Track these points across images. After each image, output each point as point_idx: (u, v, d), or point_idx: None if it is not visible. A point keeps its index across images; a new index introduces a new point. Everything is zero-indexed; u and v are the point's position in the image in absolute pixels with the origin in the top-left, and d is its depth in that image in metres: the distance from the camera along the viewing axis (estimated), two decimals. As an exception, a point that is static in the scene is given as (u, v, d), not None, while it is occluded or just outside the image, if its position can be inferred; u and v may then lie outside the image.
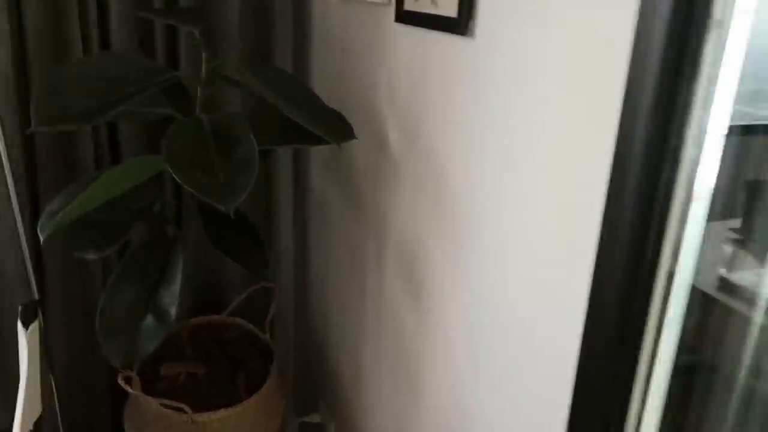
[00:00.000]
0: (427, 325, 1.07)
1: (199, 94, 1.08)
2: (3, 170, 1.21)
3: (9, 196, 1.23)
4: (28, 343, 0.89)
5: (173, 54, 1.38)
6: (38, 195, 1.32)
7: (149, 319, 1.09)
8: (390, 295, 1.20)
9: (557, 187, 0.73)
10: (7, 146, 1.15)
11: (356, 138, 1.12)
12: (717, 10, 0.54)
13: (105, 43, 1.31)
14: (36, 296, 1.33)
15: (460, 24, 0.87)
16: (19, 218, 1.24)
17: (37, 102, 0.88)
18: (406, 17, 1.01)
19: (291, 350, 1.59)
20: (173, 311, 1.10)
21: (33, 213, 1.33)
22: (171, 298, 1.11)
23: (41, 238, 0.99)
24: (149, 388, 1.34)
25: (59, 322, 1.41)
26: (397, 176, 1.13)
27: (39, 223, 1.01)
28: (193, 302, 1.56)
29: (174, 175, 0.88)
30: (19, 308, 0.90)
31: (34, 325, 0.91)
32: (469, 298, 0.94)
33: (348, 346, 1.45)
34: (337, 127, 1.03)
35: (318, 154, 1.50)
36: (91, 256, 1.12)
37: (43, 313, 1.38)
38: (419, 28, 0.98)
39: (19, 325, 0.90)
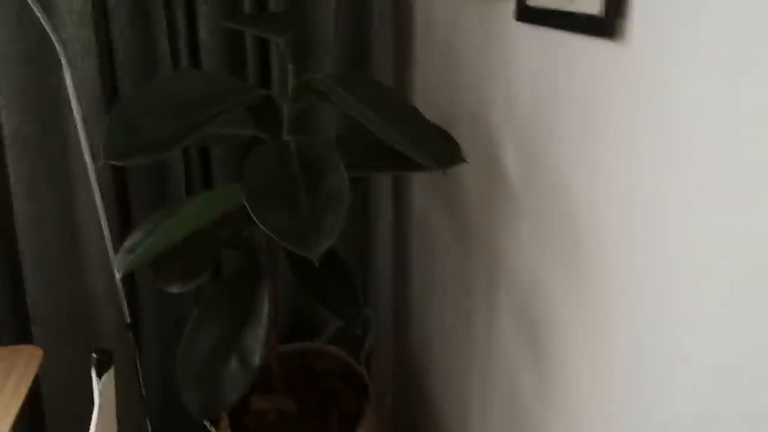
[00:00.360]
0: (551, 393, 0.88)
1: (286, 113, 0.95)
2: (93, 192, 1.16)
3: (99, 218, 1.18)
4: (102, 393, 0.81)
5: (265, 66, 1.27)
6: (130, 216, 1.27)
7: (233, 364, 0.99)
8: (502, 346, 1.02)
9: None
10: (97, 168, 1.10)
11: (466, 162, 0.95)
12: None
13: (195, 55, 1.22)
14: (128, 320, 1.28)
15: (607, 24, 0.67)
16: (109, 241, 1.19)
17: (108, 131, 0.79)
18: (530, 15, 0.82)
19: (389, 387, 1.45)
20: (258, 355, 0.99)
21: (124, 235, 1.28)
22: (256, 340, 1.00)
23: (118, 276, 0.91)
24: (237, 423, 1.25)
25: (151, 345, 1.36)
26: (514, 211, 0.94)
27: (117, 260, 0.93)
28: (283, 327, 1.46)
29: (254, 216, 0.76)
30: (92, 356, 0.82)
31: (109, 375, 0.83)
32: (610, 376, 0.74)
33: (452, 394, 1.28)
34: (442, 150, 0.87)
35: (422, 176, 1.34)
36: (175, 289, 1.04)
37: (136, 337, 1.33)
38: (548, 28, 0.79)
39: (93, 374, 0.82)
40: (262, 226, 0.76)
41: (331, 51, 1.25)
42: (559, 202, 0.82)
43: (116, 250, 1.22)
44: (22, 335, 1.26)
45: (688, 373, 0.61)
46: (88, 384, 1.32)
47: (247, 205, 0.78)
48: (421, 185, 1.35)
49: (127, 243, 0.95)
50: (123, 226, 1.28)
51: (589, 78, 0.72)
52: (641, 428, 0.69)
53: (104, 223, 1.18)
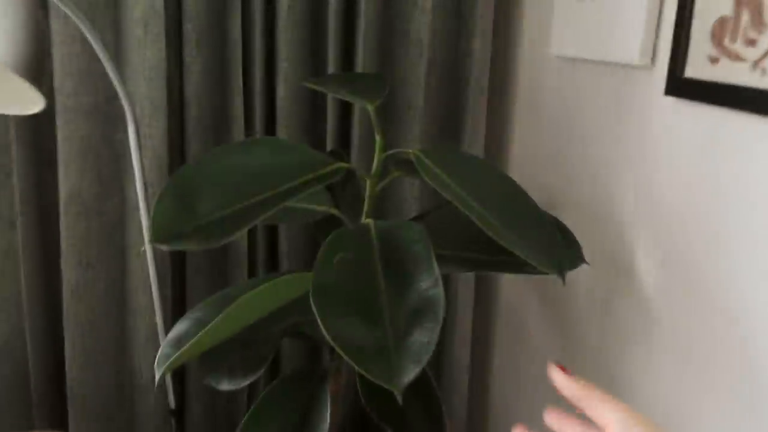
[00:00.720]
0: None
1: (368, 191, 0.80)
2: (147, 262, 1.04)
3: (150, 291, 1.06)
4: None
5: (345, 131, 1.14)
6: (185, 287, 1.14)
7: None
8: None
9: None
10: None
11: (587, 263, 0.76)
12: None
13: (270, 117, 1.11)
14: (172, 405, 1.14)
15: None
16: (160, 317, 1.06)
17: (158, 207, 0.66)
18: (688, 89, 0.64)
19: None
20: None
21: (178, 314, 1.16)
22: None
23: (156, 377, 0.76)
24: None
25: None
26: (646, 328, 0.73)
27: (159, 355, 0.79)
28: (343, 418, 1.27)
29: (321, 324, 0.60)
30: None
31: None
32: None
33: None
34: (558, 248, 0.68)
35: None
36: (224, 386, 0.88)
37: (180, 426, 1.18)
38: (718, 107, 0.61)
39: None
40: (329, 338, 0.60)
41: (419, 119, 1.11)
42: (717, 324, 0.61)
43: (166, 326, 1.09)
44: (56, 417, 1.13)
45: None
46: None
47: (314, 308, 0.62)
48: (511, 277, 1.16)
49: (173, 334, 0.81)
50: (176, 299, 1.16)
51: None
52: None
53: (156, 298, 1.05)
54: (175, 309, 1.15)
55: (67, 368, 1.08)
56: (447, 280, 1.16)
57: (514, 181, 0.75)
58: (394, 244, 0.71)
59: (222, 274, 1.16)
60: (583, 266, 0.87)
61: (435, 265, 0.66)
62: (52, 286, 1.08)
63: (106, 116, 1.02)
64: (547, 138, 1.01)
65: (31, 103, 0.73)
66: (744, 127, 0.57)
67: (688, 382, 0.66)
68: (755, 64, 0.54)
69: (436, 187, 0.70)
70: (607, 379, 0.83)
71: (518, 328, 1.13)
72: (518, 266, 0.75)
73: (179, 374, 1.19)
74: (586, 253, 0.85)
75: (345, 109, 1.13)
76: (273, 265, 1.18)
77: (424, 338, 0.59)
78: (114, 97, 1.01)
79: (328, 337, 0.60)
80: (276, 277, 0.84)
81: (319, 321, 0.61)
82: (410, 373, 0.56)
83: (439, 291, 0.63)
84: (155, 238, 0.64)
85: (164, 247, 0.64)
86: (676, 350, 0.68)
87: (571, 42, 0.90)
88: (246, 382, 0.89)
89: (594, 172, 0.87)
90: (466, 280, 1.14)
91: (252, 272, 1.16)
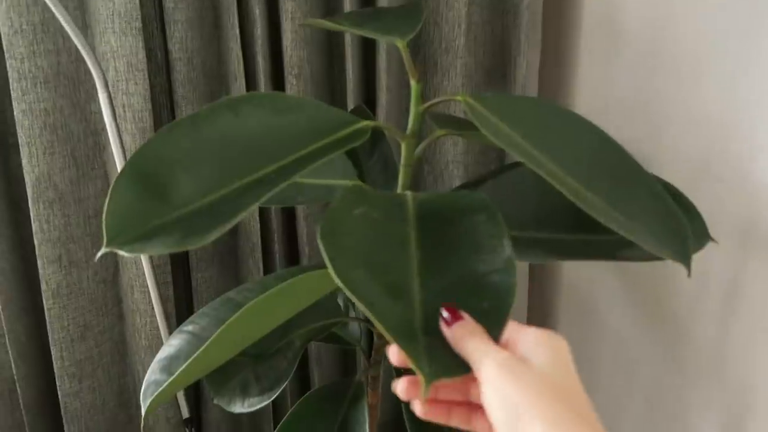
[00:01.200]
0: None
1: (403, 156, 0.60)
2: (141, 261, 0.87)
3: (149, 293, 0.88)
4: None
5: (369, 84, 0.93)
6: (191, 279, 0.97)
7: None
8: None
9: None
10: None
11: (714, 241, 0.55)
12: None
13: (277, 70, 0.91)
14: (185, 413, 0.98)
15: None
16: (161, 315, 0.89)
17: (115, 198, 0.47)
18: None
19: None
20: None
21: (185, 312, 0.98)
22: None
23: (142, 410, 0.59)
24: None
25: None
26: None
27: (143, 386, 0.61)
28: (385, 422, 1.10)
29: (331, 268, 0.41)
30: None
31: None
32: None
33: None
34: (680, 228, 0.48)
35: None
36: (238, 409, 0.71)
37: (198, 430, 1.03)
38: None
39: None
40: (338, 281, 0.40)
41: (461, 63, 0.89)
42: None
43: (170, 327, 0.91)
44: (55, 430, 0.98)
45: None
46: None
47: (322, 248, 0.42)
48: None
49: (162, 354, 0.63)
50: (181, 296, 0.98)
51: None
52: None
53: (154, 296, 0.88)
54: (181, 307, 0.98)
55: (57, 381, 0.92)
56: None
57: (606, 135, 0.54)
58: (438, 216, 0.50)
59: (232, 266, 0.99)
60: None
61: (507, 243, 0.45)
62: (34, 288, 0.91)
63: (74, 81, 0.83)
64: (630, 77, 0.79)
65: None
66: None
67: None
68: None
69: (501, 144, 0.50)
70: (733, 389, 0.63)
71: (587, 311, 0.93)
72: (611, 249, 0.55)
73: (195, 386, 1.02)
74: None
75: (368, 56, 0.92)
76: (292, 253, 1.00)
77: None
78: (80, 57, 0.82)
79: (337, 280, 0.40)
80: (293, 274, 0.65)
81: (326, 260, 0.41)
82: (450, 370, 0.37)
83: (510, 279, 0.43)
84: (111, 240, 0.45)
85: (125, 253, 0.45)
86: None
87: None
88: (264, 403, 0.72)
89: (705, 121, 0.65)
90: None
91: (268, 263, 0.98)
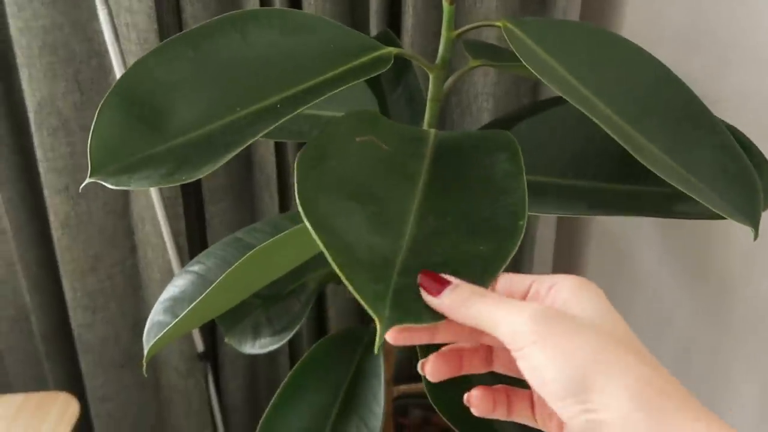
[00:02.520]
0: None
1: (430, 89, 0.53)
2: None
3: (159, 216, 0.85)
4: None
5: (393, 5, 0.85)
6: (204, 208, 0.93)
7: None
8: None
9: None
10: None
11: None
12: None
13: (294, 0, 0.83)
14: (199, 347, 0.97)
15: None
16: (172, 248, 0.86)
17: (101, 123, 0.41)
18: None
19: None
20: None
21: (198, 242, 0.95)
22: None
23: (144, 350, 0.56)
24: None
25: (236, 369, 1.04)
26: None
27: (146, 327, 0.58)
28: (401, 360, 1.08)
29: (300, 207, 0.36)
30: None
31: None
32: None
33: None
34: (751, 183, 0.41)
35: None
36: (249, 349, 0.68)
37: (214, 368, 1.02)
38: None
39: None
40: (307, 221, 0.35)
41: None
42: None
43: (181, 257, 0.89)
44: (70, 368, 0.98)
45: None
46: (153, 413, 1.03)
47: (295, 174, 0.37)
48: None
49: (166, 294, 0.60)
50: (195, 222, 0.94)
51: None
52: None
53: (164, 227, 0.85)
54: (194, 240, 0.95)
55: (70, 313, 0.91)
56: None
57: (667, 70, 0.47)
58: (457, 154, 0.44)
59: (247, 199, 0.94)
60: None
61: (522, 180, 0.39)
62: (42, 217, 0.89)
63: (74, -3, 0.76)
64: (688, 1, 0.69)
65: None
66: None
67: None
68: None
69: (545, 80, 0.43)
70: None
71: (616, 261, 0.87)
72: (665, 203, 0.48)
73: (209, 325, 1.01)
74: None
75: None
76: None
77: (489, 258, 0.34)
78: (81, -33, 0.75)
79: (312, 229, 0.35)
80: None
81: (296, 191, 0.36)
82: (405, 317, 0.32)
83: (517, 222, 0.37)
84: (96, 169, 0.40)
85: (110, 185, 0.40)
86: None
87: None
88: (276, 345, 0.69)
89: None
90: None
91: (284, 197, 0.93)
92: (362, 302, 0.32)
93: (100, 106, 0.42)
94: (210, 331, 1.02)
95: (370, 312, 0.31)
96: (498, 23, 0.48)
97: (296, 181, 0.36)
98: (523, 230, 0.36)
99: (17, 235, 0.87)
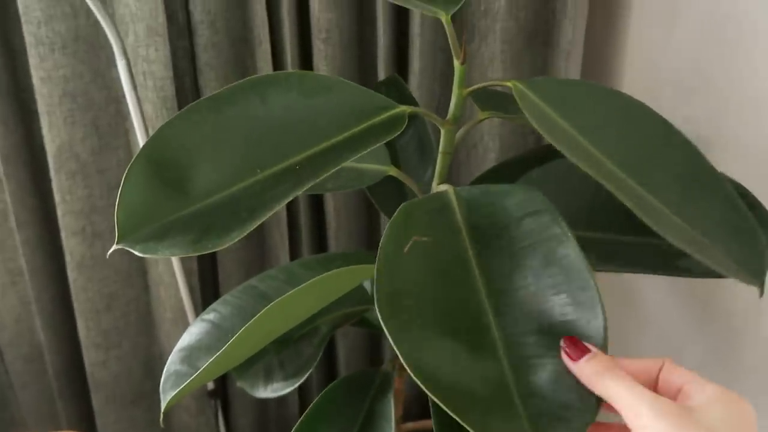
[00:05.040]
0: None
1: (442, 142, 0.55)
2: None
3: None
4: None
5: (403, 55, 0.87)
6: (215, 258, 0.94)
7: None
8: None
9: None
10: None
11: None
12: None
13: (304, 36, 0.85)
14: (210, 386, 0.98)
15: None
16: (184, 287, 0.88)
17: (127, 190, 0.43)
18: None
19: None
20: None
21: (209, 282, 0.96)
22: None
23: (162, 404, 0.57)
24: None
25: (245, 405, 1.04)
26: None
27: (163, 376, 0.59)
28: (410, 398, 1.09)
29: (398, 352, 0.38)
30: None
31: None
32: None
33: None
34: (757, 244, 0.42)
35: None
36: (261, 394, 0.69)
37: (224, 408, 1.03)
38: None
39: None
40: (411, 373, 0.37)
41: (501, 23, 0.82)
42: None
43: (193, 296, 0.90)
44: (82, 407, 0.99)
45: None
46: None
47: (385, 329, 0.39)
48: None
49: (183, 343, 0.61)
50: (207, 266, 0.96)
51: None
52: None
53: (177, 268, 0.86)
54: (206, 279, 0.96)
55: (84, 351, 0.92)
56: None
57: (674, 129, 0.48)
58: (491, 222, 0.46)
59: (256, 238, 0.96)
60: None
61: (579, 253, 0.41)
62: (58, 258, 0.90)
63: (93, 46, 0.79)
64: (690, 47, 0.71)
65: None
66: None
67: None
68: None
69: (555, 142, 0.45)
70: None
71: (625, 303, 0.88)
72: (672, 258, 0.50)
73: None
74: None
75: (401, 19, 0.85)
76: (319, 225, 0.96)
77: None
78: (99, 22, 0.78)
79: (410, 372, 0.37)
80: (320, 262, 0.62)
81: (395, 348, 0.38)
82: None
83: (598, 322, 0.39)
84: (123, 236, 0.42)
85: (138, 252, 0.42)
86: None
87: None
88: (289, 389, 0.70)
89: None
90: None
91: (294, 236, 0.94)
92: None
93: (126, 170, 0.43)
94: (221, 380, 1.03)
95: None
96: (508, 83, 0.50)
97: (390, 336, 0.38)
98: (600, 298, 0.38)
99: (33, 276, 0.89)
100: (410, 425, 1.03)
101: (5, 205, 0.85)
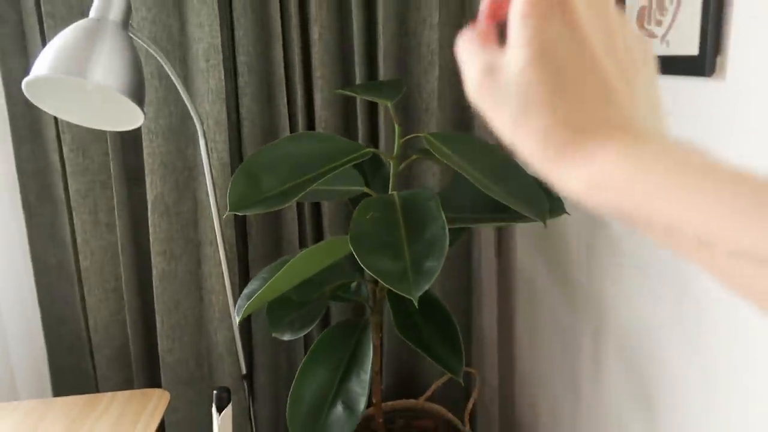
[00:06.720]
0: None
1: (392, 171, 1.02)
2: (218, 250, 1.28)
3: (222, 274, 1.29)
4: (220, 428, 0.87)
5: (373, 130, 1.36)
6: (249, 272, 1.37)
7: (339, 409, 1.02)
8: (612, 402, 0.97)
9: None
10: (222, 227, 1.22)
11: (567, 213, 0.95)
12: None
13: (311, 121, 1.34)
14: (243, 370, 1.36)
15: (703, 62, 0.67)
16: (230, 295, 1.29)
17: (234, 185, 0.89)
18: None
19: (495, 451, 1.40)
20: (361, 402, 1.01)
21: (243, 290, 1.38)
22: (361, 387, 1.02)
23: (236, 320, 0.98)
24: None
25: (264, 396, 1.42)
26: (619, 259, 0.92)
27: (237, 305, 1.01)
28: (388, 385, 1.47)
29: (357, 258, 0.81)
30: (214, 393, 0.88)
31: (227, 411, 0.89)
32: (726, 427, 0.68)
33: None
34: (541, 201, 0.88)
35: (525, 227, 1.34)
36: (287, 336, 1.10)
37: (250, 388, 1.40)
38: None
39: (213, 409, 0.88)
40: (366, 268, 0.81)
41: (435, 114, 1.32)
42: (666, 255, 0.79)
43: (235, 303, 1.31)
44: (153, 379, 1.37)
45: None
46: (207, 426, 1.39)
47: (353, 250, 0.83)
48: (525, 241, 1.35)
49: (246, 290, 1.04)
50: (242, 282, 1.38)
51: (685, 116, 0.72)
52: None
53: (226, 278, 1.28)
54: (241, 291, 1.38)
55: (158, 341, 1.32)
56: (470, 242, 1.36)
57: (507, 155, 0.95)
58: (412, 205, 0.92)
59: (279, 256, 1.39)
60: (573, 218, 1.06)
61: (442, 216, 0.86)
62: (144, 276, 1.33)
63: (179, 135, 1.27)
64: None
65: (134, 119, 0.97)
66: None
67: (654, 301, 0.84)
68: (662, 38, 0.73)
69: (443, 159, 0.91)
70: (595, 307, 1.01)
71: (531, 282, 1.31)
72: (513, 218, 0.95)
73: (248, 348, 1.41)
74: (573, 207, 1.04)
75: (372, 112, 1.35)
76: (319, 238, 1.40)
77: (433, 263, 0.79)
78: (183, 119, 1.26)
79: (365, 268, 0.80)
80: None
81: (358, 259, 0.82)
82: (424, 285, 0.76)
83: (444, 233, 0.83)
84: (233, 208, 0.87)
85: (239, 213, 0.86)
86: (643, 275, 0.86)
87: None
88: (302, 333, 1.11)
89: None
90: (486, 243, 1.33)
91: (302, 231, 1.38)
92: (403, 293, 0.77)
93: (233, 178, 0.89)
94: (248, 363, 1.41)
95: (407, 295, 0.77)
96: (422, 135, 0.97)
97: (357, 256, 0.83)
98: (447, 236, 0.82)
99: (128, 286, 1.30)
100: (390, 403, 1.41)
101: (114, 243, 1.29)
